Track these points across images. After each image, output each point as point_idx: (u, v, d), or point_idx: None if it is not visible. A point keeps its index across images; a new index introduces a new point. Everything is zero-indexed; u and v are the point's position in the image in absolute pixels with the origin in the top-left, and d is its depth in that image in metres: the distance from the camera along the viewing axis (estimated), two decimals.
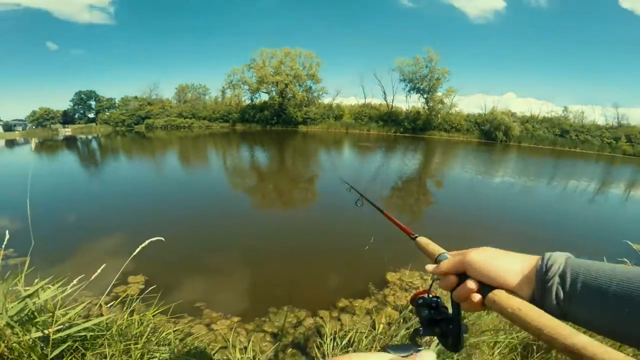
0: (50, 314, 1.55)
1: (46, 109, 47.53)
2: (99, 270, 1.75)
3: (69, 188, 9.19)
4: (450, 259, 0.56)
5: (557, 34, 70.11)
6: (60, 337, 1.51)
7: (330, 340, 2.24)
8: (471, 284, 0.50)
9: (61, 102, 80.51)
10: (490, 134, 34.82)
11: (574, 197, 10.65)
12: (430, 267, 0.59)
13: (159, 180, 10.71)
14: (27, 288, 1.66)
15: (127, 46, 79.78)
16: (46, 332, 1.45)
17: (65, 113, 49.79)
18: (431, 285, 0.60)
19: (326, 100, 41.20)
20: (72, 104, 50.54)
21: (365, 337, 2.20)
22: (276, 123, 37.79)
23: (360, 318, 3.09)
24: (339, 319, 3.11)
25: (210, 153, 18.24)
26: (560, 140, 34.99)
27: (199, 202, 7.60)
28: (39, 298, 1.62)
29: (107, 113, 45.85)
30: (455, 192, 10.18)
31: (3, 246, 1.76)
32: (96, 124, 45.56)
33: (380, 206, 1.08)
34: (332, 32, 77.59)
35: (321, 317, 3.08)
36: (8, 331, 1.42)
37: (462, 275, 0.53)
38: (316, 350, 2.17)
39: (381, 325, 2.44)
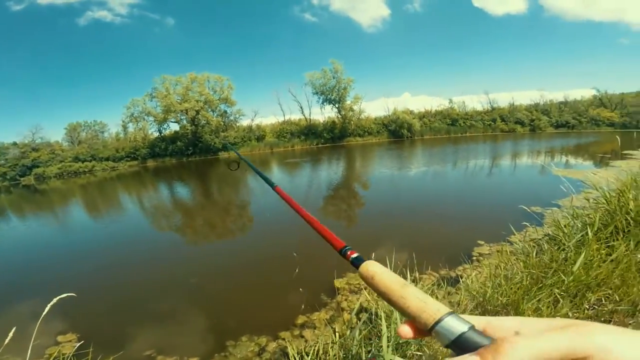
0: None
1: None
2: (10, 334, 1.62)
3: None
4: (555, 334, 0.27)
5: (433, 35, 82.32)
6: None
7: (299, 358, 2.24)
8: None
9: None
10: (397, 133, 38.83)
11: (476, 174, 12.53)
12: None
13: (69, 235, 9.12)
14: None
15: None
16: None
17: None
18: None
19: (245, 122, 40.63)
20: None
21: (331, 347, 2.25)
22: (192, 153, 35.61)
23: (322, 330, 3.13)
24: (302, 336, 3.11)
25: (123, 197, 16.27)
26: (453, 129, 41.02)
27: (121, 250, 6.76)
28: None
29: None
30: (380, 189, 11.05)
31: None
32: None
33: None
34: (241, 55, 77.24)
35: (283, 339, 3.05)
36: None
37: None
38: None
39: (337, 333, 2.51)
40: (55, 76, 67.14)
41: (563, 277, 2.09)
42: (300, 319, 3.37)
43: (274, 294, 4.18)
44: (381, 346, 1.75)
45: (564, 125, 41.42)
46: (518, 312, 2.03)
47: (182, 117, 36.12)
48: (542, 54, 78.09)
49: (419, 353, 1.86)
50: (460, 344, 0.30)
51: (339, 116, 39.57)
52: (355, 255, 0.50)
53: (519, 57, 77.25)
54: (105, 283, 4.96)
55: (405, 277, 2.89)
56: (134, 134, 38.03)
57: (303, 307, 3.52)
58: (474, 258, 4.44)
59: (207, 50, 74.58)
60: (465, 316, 0.33)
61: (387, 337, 1.84)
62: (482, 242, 4.96)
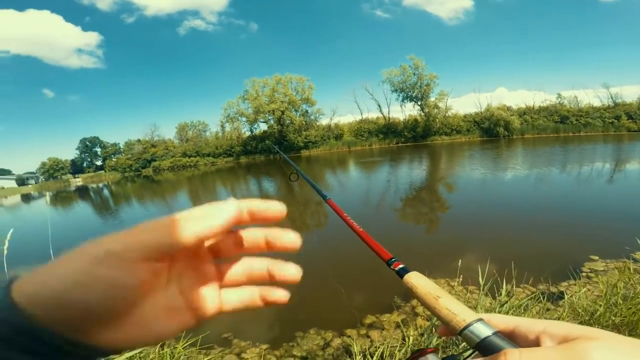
0: None
1: (55, 159, 49.30)
2: None
3: (87, 236, 9.44)
4: (549, 351, 0.28)
5: (529, 23, 71.59)
6: None
7: (361, 357, 2.21)
8: None
9: (67, 151, 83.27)
10: (491, 131, 34.85)
11: (592, 180, 10.47)
12: None
13: None
14: None
15: (120, 89, 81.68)
16: None
17: (73, 162, 51.54)
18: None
19: (324, 121, 42.00)
20: (78, 152, 52.43)
21: (398, 350, 2.17)
22: (278, 152, 38.36)
23: (390, 332, 3.05)
24: (368, 336, 3.07)
25: (219, 189, 18.52)
26: (562, 127, 34.91)
27: None
28: None
29: (113, 159, 47.31)
30: (468, 193, 10.11)
31: None
32: (105, 172, 46.93)
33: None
34: (318, 54, 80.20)
35: (349, 336, 3.05)
36: None
37: None
38: None
39: (411, 338, 2.41)
40: (165, 80, 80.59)
41: None
42: (369, 319, 3.32)
43: (347, 290, 4.21)
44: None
45: None
46: (634, 334, 1.66)
47: (269, 118, 39.21)
48: None
49: None
50: (484, 347, 0.34)
51: (422, 114, 37.55)
52: (401, 266, 0.54)
53: None
54: None
55: (497, 290, 2.68)
56: (230, 133, 42.95)
57: (374, 307, 3.47)
58: (584, 274, 3.76)
59: (287, 51, 79.77)
60: (501, 316, 0.37)
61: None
62: (596, 257, 4.15)
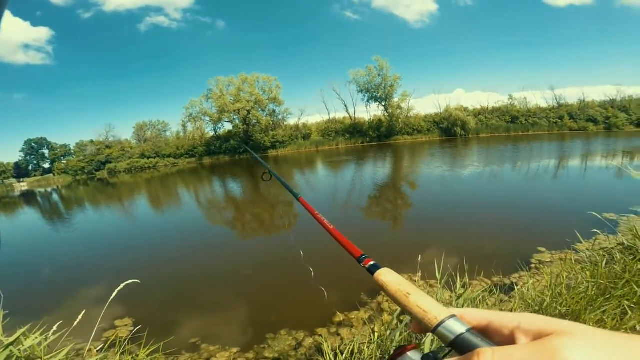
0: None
1: None
2: (79, 317, 1.81)
3: (37, 244, 8.81)
4: (521, 349, 0.28)
5: (487, 28, 76.44)
6: None
7: (332, 356, 2.26)
8: None
9: (10, 154, 75.01)
10: (450, 131, 36.80)
11: (539, 176, 11.42)
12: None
13: (132, 225, 10.28)
14: (7, 338, 1.67)
15: (72, 87, 73.65)
16: None
17: (17, 165, 46.62)
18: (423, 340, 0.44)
19: (292, 121, 41.71)
20: (22, 155, 47.47)
21: (367, 346, 2.24)
22: (244, 151, 37.54)
23: (359, 329, 3.13)
24: (338, 334, 3.14)
25: (182, 191, 17.73)
26: (513, 126, 37.73)
27: (177, 242, 7.38)
28: (22, 345, 1.65)
29: (63, 162, 43.40)
30: (429, 190, 10.59)
31: None
32: (54, 175, 42.89)
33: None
34: (287, 54, 79.45)
35: (320, 335, 3.09)
36: None
37: None
38: None
39: (376, 333, 2.49)
40: (122, 78, 75.48)
41: (636, 288, 1.85)
42: (338, 317, 3.39)
43: (315, 290, 4.25)
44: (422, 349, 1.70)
45: None
46: (579, 322, 1.86)
47: (234, 117, 38.22)
48: (617, 46, 68.05)
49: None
50: (458, 345, 0.33)
51: (386, 114, 38.68)
52: (371, 262, 0.53)
53: (589, 50, 68.46)
54: (162, 271, 5.44)
55: (454, 283, 2.82)
56: (192, 133, 41.21)
57: (342, 305, 3.53)
58: (533, 266, 4.09)
59: (254, 51, 77.88)
60: (474, 310, 0.36)
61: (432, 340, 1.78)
62: (543, 249, 4.54)
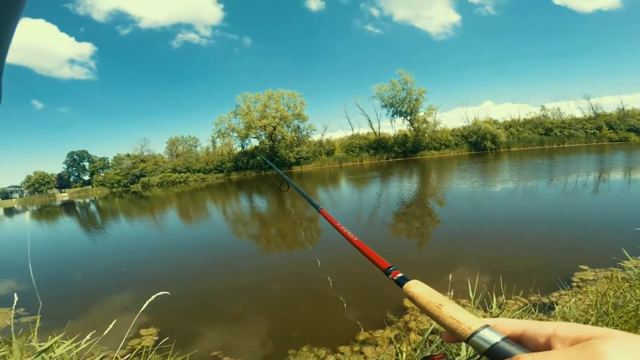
0: None
1: (41, 173, 48.22)
2: (110, 326, 1.83)
3: (73, 251, 9.38)
4: (561, 354, 0.28)
5: (513, 37, 74.80)
6: None
7: None
8: None
9: (54, 164, 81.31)
10: (479, 145, 35.61)
11: (578, 191, 10.68)
12: None
13: (162, 237, 10.68)
14: (42, 344, 1.72)
15: (111, 101, 79.65)
16: None
17: (60, 176, 50.42)
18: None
19: (315, 137, 42.35)
20: (65, 166, 51.42)
21: None
22: (270, 167, 38.19)
23: (384, 348, 2.99)
24: (362, 352, 3.01)
25: (210, 206, 18.27)
26: (547, 139, 35.93)
27: (203, 255, 7.55)
28: (54, 352, 1.68)
29: (101, 174, 46.51)
30: (458, 207, 10.18)
31: (13, 306, 1.86)
32: (92, 187, 45.98)
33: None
34: (310, 70, 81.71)
35: (342, 353, 2.99)
36: None
37: None
38: None
39: (404, 353, 2.36)
40: (157, 94, 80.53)
41: None
42: (362, 335, 3.26)
43: (337, 306, 4.13)
44: None
45: None
46: None
47: (261, 133, 39.32)
48: None
49: None
50: (494, 353, 0.33)
51: (411, 129, 38.22)
52: (400, 275, 0.52)
53: (623, 56, 64.91)
54: (188, 283, 5.55)
55: (489, 303, 2.69)
56: (221, 149, 42.83)
57: (366, 323, 3.40)
58: (574, 284, 3.78)
59: (279, 67, 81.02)
60: (507, 320, 0.36)
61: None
62: (586, 267, 4.20)
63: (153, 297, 1.97)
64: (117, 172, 43.71)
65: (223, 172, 40.30)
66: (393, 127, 43.14)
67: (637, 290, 2.26)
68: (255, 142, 41.48)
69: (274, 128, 37.64)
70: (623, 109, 36.99)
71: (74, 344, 1.83)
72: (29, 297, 2.07)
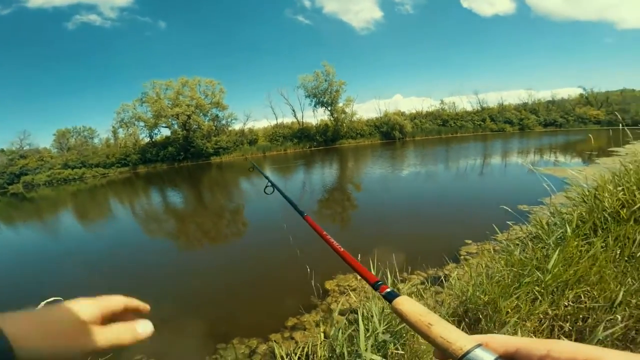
0: None
1: None
2: None
3: None
4: None
5: (424, 36, 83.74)
6: None
7: (287, 359, 2.24)
8: None
9: None
10: (389, 134, 39.12)
11: (467, 174, 12.70)
12: None
13: (58, 243, 9.02)
14: None
15: None
16: None
17: None
18: None
19: (237, 126, 40.52)
20: None
21: (320, 348, 2.28)
22: (184, 158, 35.35)
23: (312, 332, 3.17)
24: (292, 337, 3.15)
25: (114, 204, 16.10)
26: (444, 129, 41.48)
27: (112, 258, 6.69)
28: None
29: None
30: (373, 191, 11.13)
31: None
32: None
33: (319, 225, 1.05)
34: (234, 58, 77.14)
35: (274, 341, 3.07)
36: None
37: None
38: None
39: (324, 334, 2.53)
40: (43, 80, 66.26)
41: (538, 274, 2.15)
42: (291, 321, 3.41)
43: (266, 297, 4.20)
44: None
45: (552, 124, 42.25)
46: (497, 311, 2.09)
47: (173, 122, 35.89)
48: (530, 54, 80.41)
49: (400, 352, 1.91)
50: None
51: (332, 119, 39.70)
52: (388, 290, 0.52)
53: (508, 57, 79.37)
54: (96, 287, 4.90)
55: (396, 279, 2.95)
56: (124, 140, 37.75)
57: (293, 309, 3.55)
58: (461, 257, 4.52)
59: (199, 54, 74.49)
60: (500, 337, 0.36)
61: (366, 336, 1.88)
62: (470, 242, 5.04)
63: (43, 303, 1.73)
64: None
65: (128, 165, 35.56)
66: (315, 117, 44.22)
67: (502, 261, 2.64)
68: (166, 132, 37.70)
69: (189, 117, 34.68)
70: (502, 104, 45.00)
71: None
72: None
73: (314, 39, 79.64)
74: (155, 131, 37.50)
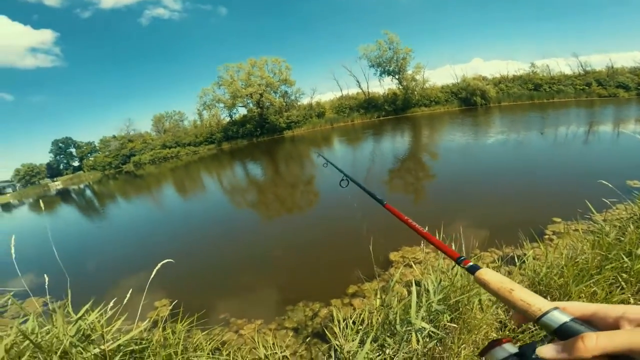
0: (100, 333, 1.80)
1: (29, 165, 47.06)
2: (128, 295, 2.02)
3: (81, 237, 9.48)
4: (624, 333, 0.32)
5: None
6: (112, 351, 1.77)
7: (344, 323, 2.37)
8: None
9: (41, 155, 79.13)
10: (469, 100, 35.31)
11: (568, 143, 10.98)
12: (558, 348, 0.35)
13: (163, 213, 10.91)
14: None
15: (87, 86, 75.93)
16: (102, 347, 1.71)
17: (49, 166, 49.27)
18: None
19: (305, 100, 41.30)
20: (52, 155, 50.07)
21: (376, 314, 2.36)
22: (261, 134, 37.73)
23: (370, 300, 3.31)
24: (351, 304, 3.38)
25: (205, 178, 18.33)
26: (537, 94, 35.65)
27: (205, 227, 7.86)
28: (87, 319, 1.92)
29: (91, 158, 45.49)
30: (452, 160, 10.47)
31: (46, 285, 2.11)
32: (84, 172, 45.14)
33: (382, 197, 1.08)
34: (292, 35, 77.60)
35: (335, 306, 3.31)
36: (73, 350, 1.65)
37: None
38: (331, 337, 2.29)
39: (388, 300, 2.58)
40: (134, 73, 76.38)
41: (625, 259, 1.85)
42: (352, 289, 3.64)
43: (332, 265, 4.48)
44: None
45: None
46: (566, 294, 1.90)
47: (248, 101, 38.22)
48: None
49: (453, 325, 1.89)
50: (562, 332, 0.37)
51: (401, 87, 37.49)
52: (470, 263, 0.57)
53: (612, 16, 62.56)
54: (192, 258, 5.82)
55: (468, 255, 2.82)
56: (208, 120, 41.77)
57: (355, 278, 3.75)
58: (546, 237, 4.11)
59: (260, 35, 76.71)
60: (577, 303, 0.40)
61: (419, 306, 1.89)
62: (559, 220, 4.50)
63: (159, 265, 2.15)
64: (107, 155, 42.68)
65: (214, 143, 39.63)
66: (382, 86, 42.14)
67: (588, 243, 2.37)
68: (243, 111, 40.50)
69: (261, 95, 36.53)
70: (612, 67, 36.53)
71: (99, 313, 2.05)
72: (52, 283, 2.25)
73: (368, 9, 74.35)
74: (234, 111, 40.54)
